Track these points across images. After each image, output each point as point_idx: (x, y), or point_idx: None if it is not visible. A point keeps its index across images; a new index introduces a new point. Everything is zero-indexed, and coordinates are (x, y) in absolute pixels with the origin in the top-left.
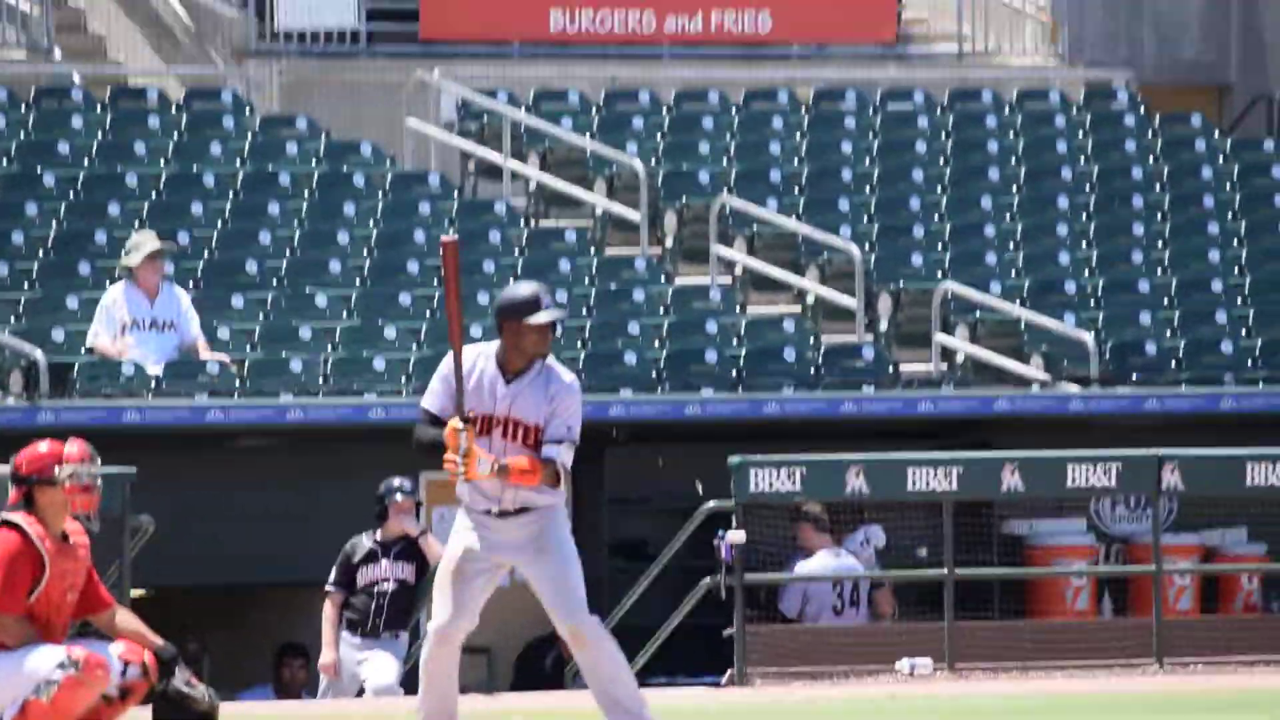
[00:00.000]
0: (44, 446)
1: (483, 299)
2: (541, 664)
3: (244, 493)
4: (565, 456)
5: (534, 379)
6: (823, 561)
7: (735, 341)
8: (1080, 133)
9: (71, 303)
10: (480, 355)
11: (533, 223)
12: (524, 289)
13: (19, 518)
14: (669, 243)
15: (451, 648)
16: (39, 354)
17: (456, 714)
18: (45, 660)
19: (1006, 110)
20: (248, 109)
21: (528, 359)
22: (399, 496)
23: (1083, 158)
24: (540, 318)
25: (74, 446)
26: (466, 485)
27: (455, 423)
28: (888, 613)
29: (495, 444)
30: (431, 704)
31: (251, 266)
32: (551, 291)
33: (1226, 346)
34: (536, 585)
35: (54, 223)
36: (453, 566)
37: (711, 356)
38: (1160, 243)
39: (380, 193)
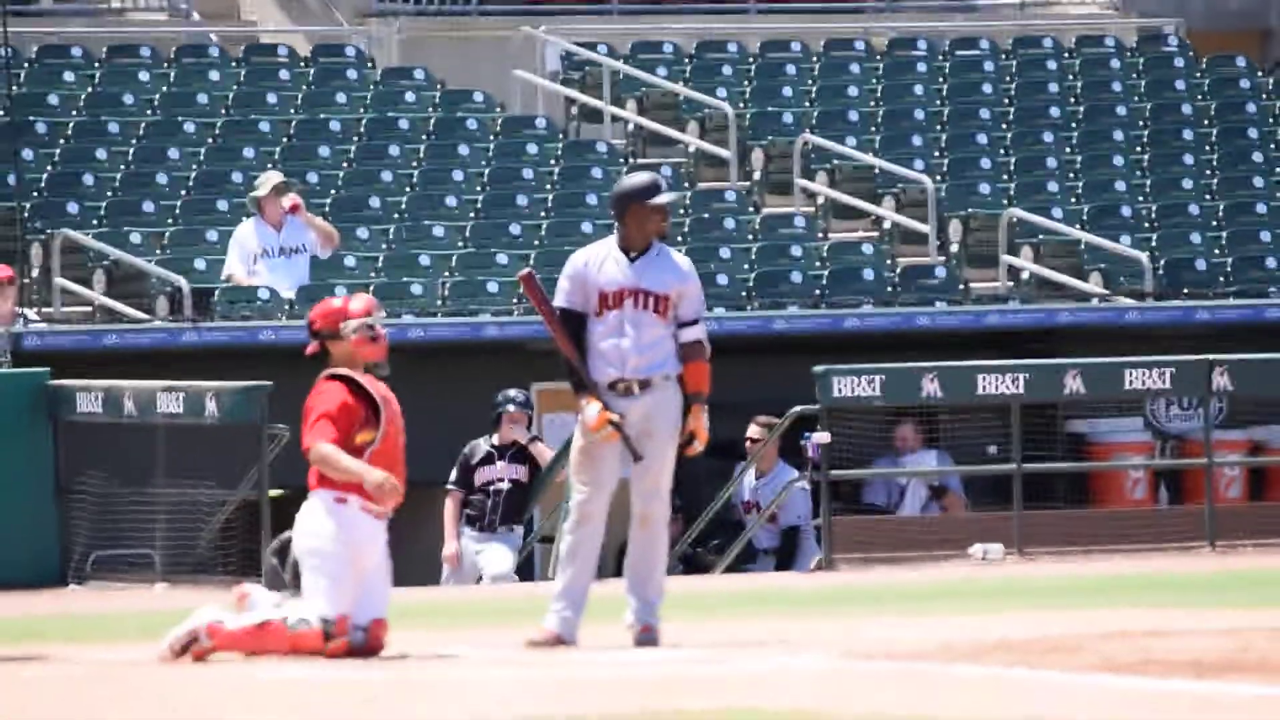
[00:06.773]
0: (336, 302)
1: (586, 228)
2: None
3: None
4: (702, 333)
5: (655, 257)
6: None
7: (818, 263)
8: (1134, 74)
9: (211, 235)
10: (596, 248)
11: (631, 160)
12: (642, 176)
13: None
14: (756, 176)
15: (595, 524)
16: (183, 281)
17: (589, 592)
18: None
19: (1066, 55)
20: (369, 63)
21: (648, 239)
22: (511, 408)
23: (1136, 96)
24: (662, 199)
25: (358, 302)
26: (598, 355)
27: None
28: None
29: (627, 312)
30: (569, 578)
31: (375, 202)
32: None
33: (1270, 262)
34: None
35: (195, 165)
36: (581, 447)
37: (796, 277)
38: (1208, 171)
39: (491, 135)
